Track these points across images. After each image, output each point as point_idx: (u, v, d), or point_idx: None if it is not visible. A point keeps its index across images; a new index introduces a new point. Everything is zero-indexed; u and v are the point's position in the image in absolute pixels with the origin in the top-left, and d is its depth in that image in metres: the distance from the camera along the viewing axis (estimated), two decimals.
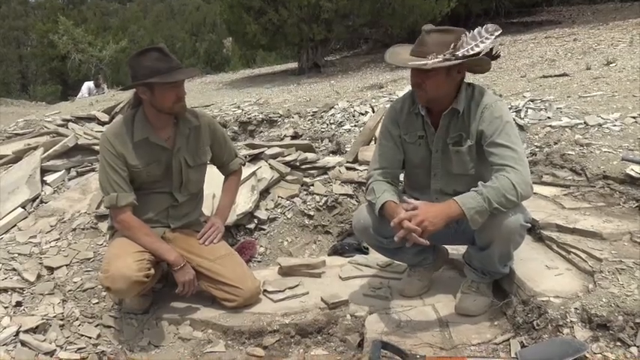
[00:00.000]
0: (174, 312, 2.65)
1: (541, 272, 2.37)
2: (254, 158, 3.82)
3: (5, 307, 2.53)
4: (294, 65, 11.68)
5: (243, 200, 3.39)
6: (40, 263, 2.93)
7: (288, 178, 3.71)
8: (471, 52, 2.09)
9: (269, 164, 3.74)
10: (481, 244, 2.27)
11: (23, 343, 2.27)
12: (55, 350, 2.29)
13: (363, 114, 5.01)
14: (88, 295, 2.75)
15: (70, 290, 2.75)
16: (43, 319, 2.44)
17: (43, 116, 5.71)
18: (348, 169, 3.83)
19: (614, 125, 3.51)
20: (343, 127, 4.82)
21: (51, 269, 2.89)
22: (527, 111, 4.09)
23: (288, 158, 3.81)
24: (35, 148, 4.02)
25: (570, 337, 1.96)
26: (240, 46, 14.62)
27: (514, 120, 3.55)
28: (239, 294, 2.57)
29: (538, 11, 13.40)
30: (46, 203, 3.54)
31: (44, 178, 3.78)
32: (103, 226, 3.23)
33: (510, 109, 4.06)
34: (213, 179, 3.02)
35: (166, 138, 2.62)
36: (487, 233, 2.18)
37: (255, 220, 3.43)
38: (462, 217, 2.05)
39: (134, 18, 36.65)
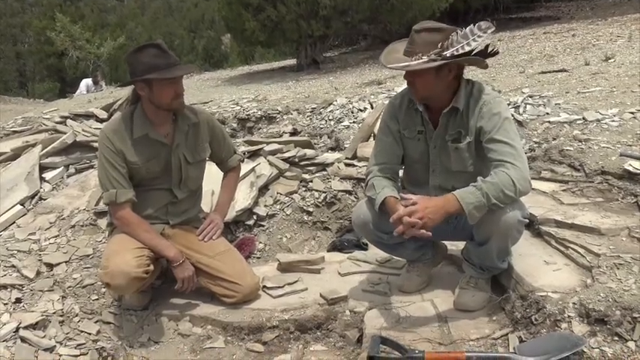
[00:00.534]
0: (174, 308, 2.66)
1: (539, 267, 2.38)
2: (253, 155, 3.82)
3: (5, 304, 2.53)
4: (292, 62, 11.66)
5: (242, 197, 3.39)
6: (40, 260, 2.93)
7: (287, 174, 3.71)
8: (460, 52, 2.08)
9: (268, 161, 3.74)
10: (479, 240, 2.28)
11: (23, 340, 2.27)
12: (55, 346, 2.29)
13: (361, 110, 5.00)
14: (88, 291, 2.75)
15: (69, 287, 2.75)
16: (42, 315, 2.44)
17: (42, 113, 5.69)
18: (347, 165, 3.83)
19: (613, 121, 3.51)
20: (342, 124, 4.82)
21: (50, 266, 2.90)
22: (525, 107, 4.08)
23: (287, 155, 3.81)
24: (34, 146, 4.02)
25: (568, 332, 1.96)
26: (239, 43, 14.60)
27: (512, 116, 3.55)
28: (238, 290, 2.57)
29: (537, 7, 13.39)
30: (44, 200, 3.55)
31: (43, 175, 3.78)
32: (102, 222, 3.24)
33: (509, 104, 4.05)
34: (212, 176, 3.02)
35: (165, 134, 2.62)
36: (485, 229, 2.18)
37: (254, 217, 3.44)
38: (460, 212, 2.05)
39: (132, 15, 36.57)
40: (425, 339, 2.19)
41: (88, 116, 5.17)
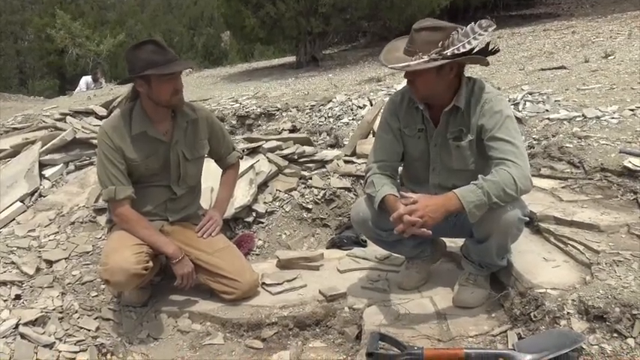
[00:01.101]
0: (173, 305, 2.66)
1: (538, 264, 2.38)
2: (252, 152, 3.82)
3: (4, 300, 2.54)
4: (292, 59, 11.65)
5: (242, 194, 3.39)
6: (39, 257, 2.93)
7: (287, 171, 3.71)
8: (461, 51, 2.06)
9: (267, 158, 3.73)
10: (479, 237, 2.28)
11: (22, 336, 2.28)
12: (55, 343, 2.30)
13: (361, 107, 5.00)
14: (87, 288, 2.75)
15: (69, 283, 2.76)
16: (42, 312, 2.44)
17: (41, 111, 5.70)
18: (346, 162, 3.83)
19: (612, 118, 3.51)
20: (341, 121, 4.82)
21: (50, 262, 2.90)
22: (525, 104, 4.08)
23: (286, 152, 3.80)
24: (33, 143, 4.02)
25: (567, 329, 1.96)
26: (238, 40, 14.60)
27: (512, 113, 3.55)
28: (237, 287, 2.57)
29: (537, 4, 13.39)
30: (44, 197, 3.55)
31: (42, 172, 3.78)
32: (102, 219, 3.24)
33: (509, 101, 4.05)
34: (211, 172, 3.02)
35: (164, 131, 2.62)
36: (485, 226, 2.18)
37: (254, 214, 3.44)
38: (460, 210, 2.05)
39: (131, 12, 36.47)
40: (424, 336, 2.19)
41: (88, 113, 5.18)
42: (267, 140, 3.93)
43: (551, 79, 4.84)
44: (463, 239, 2.49)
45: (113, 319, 2.58)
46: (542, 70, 5.38)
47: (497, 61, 6.41)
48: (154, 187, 2.67)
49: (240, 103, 5.80)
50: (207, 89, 8.14)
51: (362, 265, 2.85)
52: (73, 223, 3.27)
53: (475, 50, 2.09)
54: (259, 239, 3.34)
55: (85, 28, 24.47)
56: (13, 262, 2.84)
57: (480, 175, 2.09)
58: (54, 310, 2.51)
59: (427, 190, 2.37)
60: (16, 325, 2.32)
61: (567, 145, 3.33)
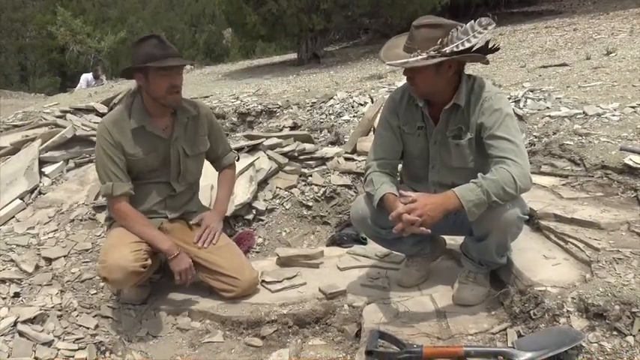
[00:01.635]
0: (173, 303, 2.66)
1: (538, 262, 2.38)
2: (252, 149, 3.80)
3: (3, 298, 2.53)
4: (293, 56, 11.64)
5: (242, 191, 3.38)
6: (38, 254, 2.93)
7: (287, 168, 3.70)
8: (460, 48, 2.05)
9: (267, 155, 3.73)
10: (478, 235, 2.27)
11: (21, 334, 2.27)
12: (53, 340, 2.29)
13: (362, 104, 4.99)
14: (86, 285, 2.75)
15: (68, 281, 2.75)
16: (41, 309, 2.44)
17: (42, 108, 5.69)
18: (346, 159, 3.82)
19: (613, 115, 3.50)
20: (342, 118, 4.81)
21: (49, 260, 2.89)
22: (526, 101, 4.07)
23: (286, 149, 3.79)
24: (33, 140, 4.01)
25: (567, 327, 1.96)
26: (240, 37, 14.55)
27: (513, 110, 3.54)
28: (237, 284, 2.57)
29: (538, 1, 13.33)
30: (44, 194, 3.54)
31: (42, 170, 3.77)
32: (101, 217, 3.23)
33: (509, 99, 4.05)
34: (211, 170, 3.01)
35: (164, 127, 2.62)
36: (485, 225, 2.17)
37: (254, 211, 3.43)
38: (460, 209, 2.04)
39: (133, 9, 36.49)
40: (423, 333, 2.19)
41: (89, 110, 5.18)
42: (267, 137, 3.92)
43: (552, 77, 4.83)
44: (463, 237, 2.49)
45: (112, 316, 2.57)
46: (544, 67, 5.37)
47: (499, 59, 6.39)
48: (153, 184, 2.66)
49: (241, 100, 5.79)
50: (209, 86, 8.13)
51: (362, 262, 2.85)
52: (72, 220, 3.26)
53: (474, 48, 2.07)
54: (259, 237, 3.34)
55: (86, 25, 24.49)
56: (12, 260, 2.83)
57: (479, 174, 2.08)
58: (53, 307, 2.50)
59: (426, 187, 2.36)
60: (15, 323, 2.31)
61: (568, 142, 3.32)
